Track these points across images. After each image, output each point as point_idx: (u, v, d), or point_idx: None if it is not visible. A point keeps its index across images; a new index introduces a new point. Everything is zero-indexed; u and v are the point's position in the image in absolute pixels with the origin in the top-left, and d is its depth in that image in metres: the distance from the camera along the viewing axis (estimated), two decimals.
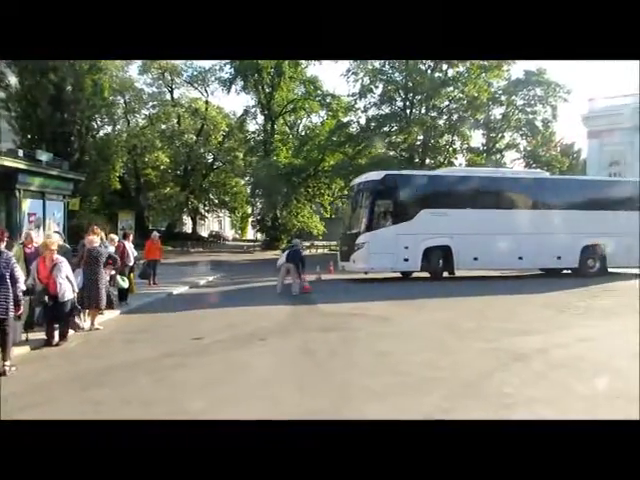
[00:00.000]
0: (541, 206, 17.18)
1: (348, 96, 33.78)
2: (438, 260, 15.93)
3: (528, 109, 31.35)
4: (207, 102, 40.75)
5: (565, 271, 17.53)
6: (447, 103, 31.73)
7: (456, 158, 32.41)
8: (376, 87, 31.53)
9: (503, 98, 30.99)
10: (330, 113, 38.37)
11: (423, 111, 31.33)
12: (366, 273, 16.23)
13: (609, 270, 17.30)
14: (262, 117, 40.30)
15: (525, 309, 10.71)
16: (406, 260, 15.59)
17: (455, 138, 32.18)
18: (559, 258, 17.03)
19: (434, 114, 31.06)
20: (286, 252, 13.66)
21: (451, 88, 30.85)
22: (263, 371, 5.88)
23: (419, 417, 4.18)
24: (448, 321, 9.16)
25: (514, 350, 6.64)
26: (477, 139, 34.83)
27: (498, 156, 32.79)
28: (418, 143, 30.94)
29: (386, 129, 31.06)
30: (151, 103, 39.11)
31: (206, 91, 40.86)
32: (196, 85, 40.64)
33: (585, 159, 58.29)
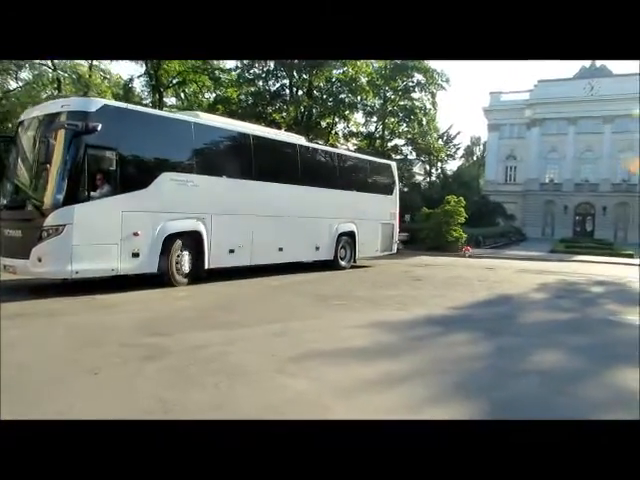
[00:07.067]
0: (308, 181, 13.46)
1: (235, 70, 32.37)
2: (181, 253, 10.38)
3: (408, 95, 31.20)
4: (91, 67, 37.66)
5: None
6: (328, 85, 30.84)
7: (339, 142, 31.80)
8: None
9: (382, 82, 30.56)
10: (222, 88, 36.56)
11: (305, 91, 30.45)
12: (65, 280, 9.19)
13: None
14: (150, 87, 37.82)
15: (283, 298, 9.82)
16: (136, 255, 9.42)
17: (337, 120, 31.55)
18: (317, 249, 14.09)
19: (316, 94, 30.22)
20: None
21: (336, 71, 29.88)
22: None
23: None
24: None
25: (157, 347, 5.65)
26: (364, 124, 34.36)
27: (389, 144, 32.53)
28: (301, 124, 30.05)
29: (267, 107, 29.93)
30: (27, 65, 35.58)
31: None
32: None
33: (486, 151, 60.66)
